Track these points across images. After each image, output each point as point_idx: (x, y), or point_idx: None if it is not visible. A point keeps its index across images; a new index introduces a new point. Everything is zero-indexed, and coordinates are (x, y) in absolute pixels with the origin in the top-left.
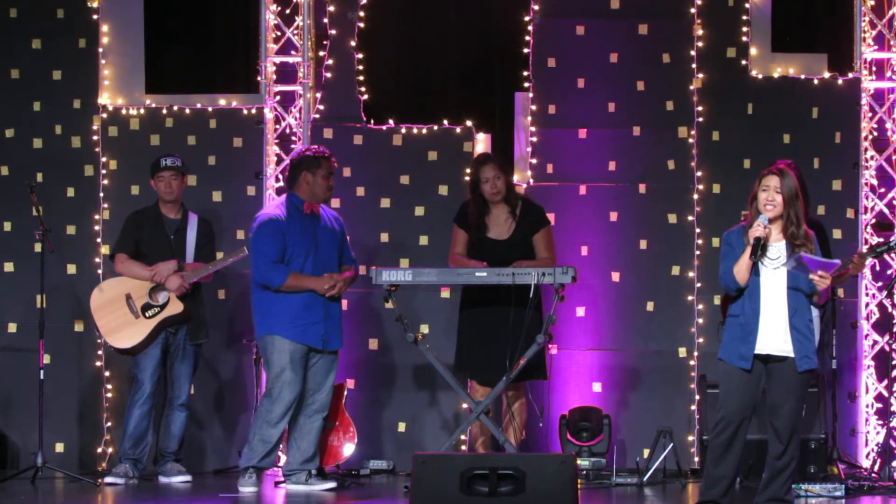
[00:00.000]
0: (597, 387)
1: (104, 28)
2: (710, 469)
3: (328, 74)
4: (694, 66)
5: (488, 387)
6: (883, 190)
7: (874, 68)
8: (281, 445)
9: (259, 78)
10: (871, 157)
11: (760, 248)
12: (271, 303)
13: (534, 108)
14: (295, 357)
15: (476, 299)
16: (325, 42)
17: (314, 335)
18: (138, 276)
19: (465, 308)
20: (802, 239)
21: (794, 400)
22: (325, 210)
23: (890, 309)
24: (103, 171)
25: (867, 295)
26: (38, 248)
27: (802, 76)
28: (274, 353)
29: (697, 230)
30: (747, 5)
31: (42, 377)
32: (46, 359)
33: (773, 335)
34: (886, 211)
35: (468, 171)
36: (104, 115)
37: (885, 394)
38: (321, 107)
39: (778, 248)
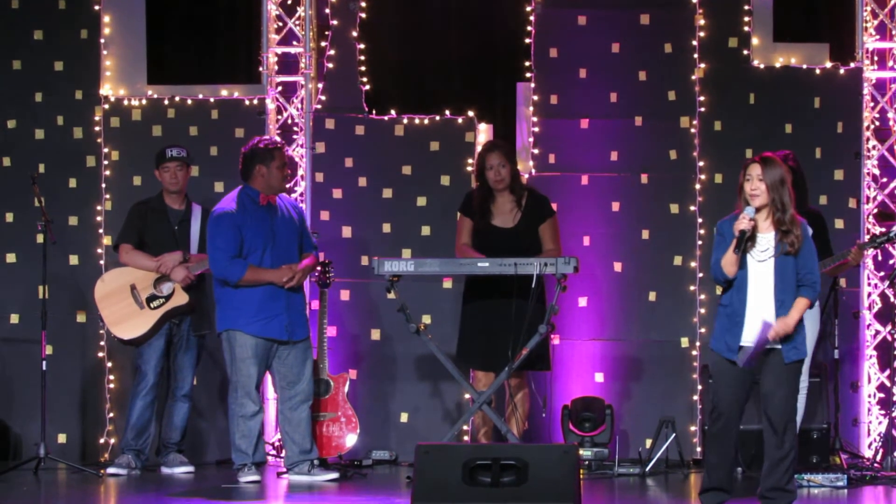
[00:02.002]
0: (599, 377)
1: (106, 19)
2: (708, 458)
3: (330, 65)
4: (696, 56)
5: (492, 373)
6: (885, 180)
7: (876, 58)
8: (280, 437)
9: (261, 68)
10: (873, 147)
11: (747, 240)
12: (232, 297)
13: (536, 98)
14: (258, 351)
15: (480, 290)
16: (326, 32)
17: (277, 327)
18: (143, 267)
19: (468, 301)
20: (789, 224)
21: (784, 389)
22: (282, 199)
23: (892, 299)
24: (105, 162)
25: (869, 285)
26: (40, 238)
27: (804, 66)
28: (236, 348)
29: (699, 220)
30: None
31: (44, 368)
32: (49, 350)
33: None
34: (888, 201)
35: (471, 161)
36: (106, 106)
37: (888, 383)
38: (323, 97)
39: (767, 239)
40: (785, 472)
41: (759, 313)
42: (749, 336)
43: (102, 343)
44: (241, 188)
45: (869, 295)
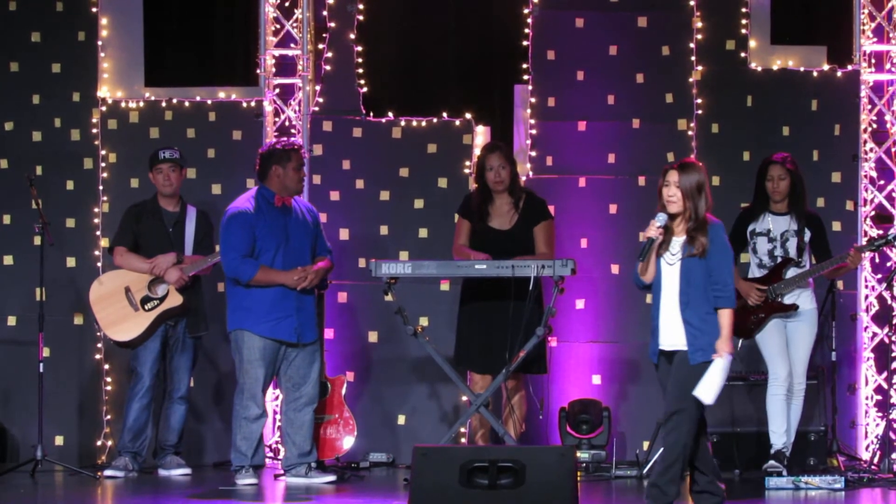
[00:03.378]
0: (596, 379)
1: (103, 21)
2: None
3: (327, 67)
4: (693, 58)
5: (489, 376)
6: (882, 182)
7: (873, 60)
8: (278, 439)
9: (258, 71)
10: (871, 150)
11: (658, 245)
12: (243, 297)
13: (533, 100)
14: (266, 353)
15: (477, 293)
16: (324, 35)
17: (287, 329)
18: (137, 269)
19: (465, 303)
20: (695, 231)
21: (680, 383)
22: (297, 202)
23: (889, 301)
24: (103, 164)
25: (867, 287)
26: (37, 241)
27: (802, 68)
28: (244, 349)
29: None
30: None
31: (42, 370)
32: (46, 352)
33: (671, 330)
34: (886, 203)
35: (468, 163)
36: (103, 108)
37: (885, 386)
38: (320, 99)
39: (679, 243)
40: (665, 461)
41: (670, 316)
42: (666, 340)
43: (100, 345)
44: (257, 188)
45: (866, 297)
